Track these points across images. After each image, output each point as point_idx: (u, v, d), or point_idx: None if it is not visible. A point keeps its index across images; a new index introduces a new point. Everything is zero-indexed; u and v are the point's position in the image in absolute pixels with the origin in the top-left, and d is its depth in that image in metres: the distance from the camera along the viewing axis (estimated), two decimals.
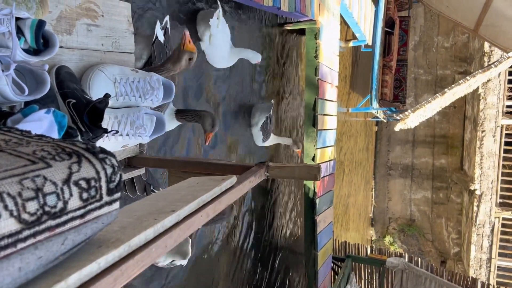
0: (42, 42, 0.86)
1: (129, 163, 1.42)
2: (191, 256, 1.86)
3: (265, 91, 3.57)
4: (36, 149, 0.49)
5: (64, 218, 0.45)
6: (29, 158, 0.46)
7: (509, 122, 7.77)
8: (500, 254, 8.10)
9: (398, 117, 5.59)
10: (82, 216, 0.47)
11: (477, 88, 7.35)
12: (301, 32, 4.05)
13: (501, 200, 7.98)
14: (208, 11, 2.46)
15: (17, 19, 0.83)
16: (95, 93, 1.11)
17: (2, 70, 0.78)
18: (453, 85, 5.57)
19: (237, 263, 3.30)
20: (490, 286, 5.06)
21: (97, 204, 0.49)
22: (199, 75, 2.56)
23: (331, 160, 4.02)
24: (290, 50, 4.09)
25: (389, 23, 7.03)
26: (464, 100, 8.84)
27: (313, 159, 3.61)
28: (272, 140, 3.41)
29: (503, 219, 7.96)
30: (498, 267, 8.15)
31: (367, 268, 5.50)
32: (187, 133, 2.49)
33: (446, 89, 5.49)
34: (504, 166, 7.92)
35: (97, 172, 0.49)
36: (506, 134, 7.84)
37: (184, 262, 1.82)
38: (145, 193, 1.58)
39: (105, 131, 0.97)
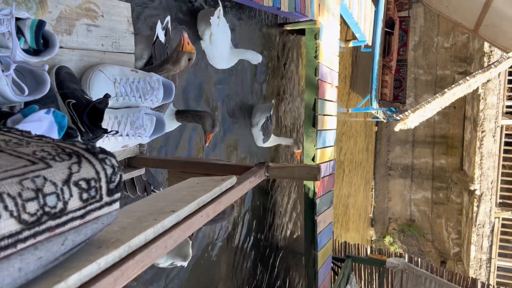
0: (42, 42, 0.86)
1: (129, 163, 1.42)
2: (191, 257, 1.85)
3: (265, 91, 3.57)
4: (36, 149, 0.49)
5: (64, 218, 0.45)
6: (29, 158, 0.46)
7: (509, 122, 7.77)
8: (500, 254, 8.10)
9: (398, 117, 5.59)
10: (82, 216, 0.47)
11: (477, 88, 7.35)
12: (301, 32, 4.05)
13: (501, 200, 7.98)
14: (208, 10, 2.46)
15: (17, 19, 0.83)
16: (95, 94, 1.11)
17: (2, 71, 0.78)
18: (453, 85, 5.57)
19: (237, 263, 3.30)
20: (490, 286, 5.06)
21: (97, 204, 0.49)
22: (200, 76, 2.56)
23: (331, 160, 4.02)
24: (290, 50, 4.09)
25: (389, 23, 7.03)
26: (464, 100, 8.85)
27: (313, 159, 3.61)
28: (273, 141, 3.41)
29: (503, 219, 7.96)
30: (498, 267, 8.14)
31: (367, 268, 5.50)
32: (188, 134, 2.49)
33: (446, 90, 5.49)
34: (504, 166, 7.92)
35: (97, 173, 0.49)
36: (506, 134, 7.84)
37: (184, 264, 1.82)
38: (145, 193, 1.58)
39: (105, 131, 0.97)
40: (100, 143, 1.08)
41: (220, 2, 2.26)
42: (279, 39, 3.78)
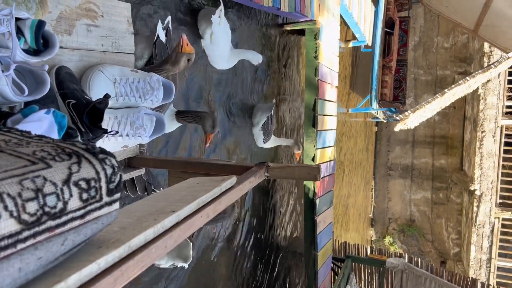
0: (42, 43, 0.86)
1: (129, 163, 1.42)
2: (192, 257, 1.85)
3: (265, 92, 3.57)
4: (36, 149, 0.49)
5: (64, 218, 0.45)
6: (29, 158, 0.46)
7: (508, 123, 7.77)
8: (500, 255, 8.10)
9: (398, 118, 5.59)
10: (82, 216, 0.47)
11: (477, 88, 7.36)
12: (301, 32, 4.05)
13: (501, 201, 7.98)
14: (209, 9, 2.46)
15: (17, 19, 0.83)
16: (95, 94, 1.11)
17: (2, 71, 0.78)
18: (453, 86, 5.57)
19: (237, 263, 3.30)
20: (490, 287, 5.07)
21: (97, 204, 0.49)
22: (200, 77, 2.56)
23: (331, 160, 4.02)
24: (291, 50, 4.09)
25: (389, 24, 7.03)
26: (464, 100, 8.85)
27: (313, 159, 3.60)
28: (273, 141, 3.41)
29: (503, 219, 7.96)
30: (498, 267, 8.14)
31: (367, 269, 5.49)
32: (188, 134, 2.49)
33: (446, 90, 5.49)
34: (504, 167, 7.92)
35: (97, 173, 0.49)
36: (506, 135, 7.84)
37: (185, 265, 1.82)
38: (145, 193, 1.58)
39: (105, 131, 0.97)
40: (100, 143, 1.08)
41: (221, 1, 2.27)
42: (279, 40, 3.78)
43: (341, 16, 4.38)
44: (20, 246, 0.40)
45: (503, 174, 7.92)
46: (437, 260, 9.91)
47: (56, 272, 0.46)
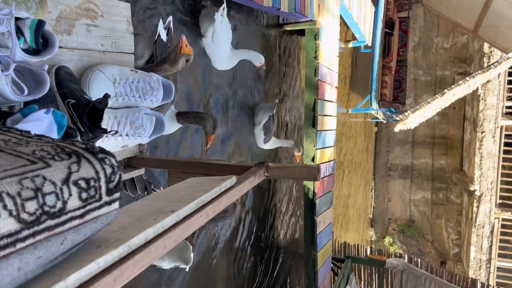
0: (41, 42, 0.86)
1: (129, 163, 1.42)
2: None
3: (265, 92, 3.57)
4: (36, 149, 0.49)
5: (63, 218, 0.45)
6: (29, 158, 0.46)
7: (508, 123, 7.77)
8: (499, 255, 8.10)
9: (397, 118, 5.59)
10: (81, 216, 0.47)
11: (477, 89, 7.35)
12: (301, 32, 4.05)
13: (500, 201, 7.98)
14: (212, 8, 2.46)
15: (17, 19, 0.83)
16: (94, 93, 1.11)
17: (2, 70, 0.78)
18: (452, 86, 5.56)
19: (237, 263, 3.30)
20: (489, 287, 5.07)
21: (97, 204, 0.49)
22: (200, 77, 2.56)
23: (330, 160, 4.02)
24: (291, 51, 4.09)
25: (388, 24, 7.03)
26: (464, 101, 8.85)
27: (312, 159, 3.60)
28: (273, 143, 3.42)
29: (503, 219, 7.96)
30: (497, 267, 8.14)
31: (366, 269, 5.49)
32: (190, 135, 2.49)
33: (445, 90, 5.49)
34: (503, 167, 7.92)
35: (97, 172, 0.49)
36: (506, 135, 7.84)
37: (186, 268, 1.82)
38: (145, 192, 1.58)
39: (105, 131, 0.97)
40: (100, 143, 1.08)
41: (225, 0, 2.27)
42: (279, 40, 3.78)
43: (341, 17, 4.38)
44: (19, 245, 0.40)
45: (503, 175, 7.93)
46: (437, 261, 9.91)
47: (55, 272, 0.45)
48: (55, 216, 0.43)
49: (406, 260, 5.12)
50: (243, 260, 3.38)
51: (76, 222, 0.46)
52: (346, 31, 6.03)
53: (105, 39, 1.21)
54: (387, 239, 10.40)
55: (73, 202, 0.46)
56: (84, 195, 0.47)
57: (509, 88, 7.74)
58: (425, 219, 10.16)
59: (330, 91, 3.93)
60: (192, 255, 1.76)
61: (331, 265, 4.69)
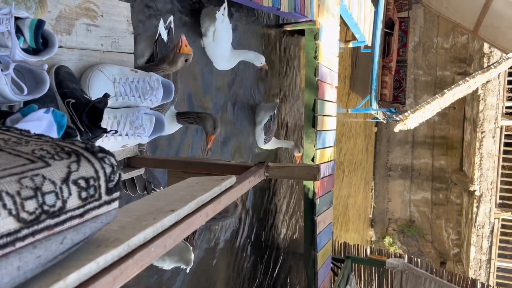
0: (41, 42, 0.86)
1: (129, 163, 1.42)
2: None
3: (265, 92, 3.57)
4: (35, 148, 0.48)
5: (63, 217, 0.44)
6: (28, 157, 0.46)
7: (508, 123, 7.77)
8: (499, 255, 8.10)
9: (397, 118, 5.59)
10: (81, 215, 0.47)
11: (477, 89, 7.36)
12: (301, 32, 4.05)
13: (500, 201, 7.98)
14: (213, 8, 2.47)
15: (17, 18, 0.83)
16: (94, 93, 1.10)
17: (1, 70, 0.78)
18: (452, 86, 5.56)
19: (237, 263, 3.30)
20: (489, 287, 5.06)
21: (96, 203, 0.49)
22: (200, 77, 2.56)
23: (330, 160, 4.02)
24: (291, 51, 4.09)
25: (388, 24, 7.03)
26: (464, 101, 8.85)
27: (312, 159, 3.60)
28: (273, 143, 3.42)
29: (503, 220, 7.96)
30: (497, 268, 8.14)
31: (366, 269, 5.49)
32: (190, 135, 2.49)
33: (445, 90, 5.49)
34: (503, 167, 7.92)
35: (96, 171, 0.49)
36: (506, 135, 7.84)
37: (187, 269, 1.81)
38: (145, 192, 1.58)
39: (104, 131, 0.96)
40: (100, 142, 1.08)
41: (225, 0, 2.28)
42: (279, 40, 3.78)
43: (340, 17, 4.38)
44: (19, 244, 0.40)
45: (502, 175, 7.92)
46: (437, 261, 9.91)
47: (55, 271, 0.45)
48: (55, 215, 0.43)
49: (406, 260, 5.12)
50: (243, 260, 3.38)
51: (76, 221, 0.46)
52: (346, 31, 6.03)
53: (105, 39, 1.21)
54: (387, 239, 10.40)
55: (73, 201, 0.46)
56: (83, 194, 0.47)
57: (509, 88, 7.74)
58: (425, 219, 10.16)
59: (330, 91, 3.93)
60: (192, 256, 1.76)
61: (331, 265, 4.69)
